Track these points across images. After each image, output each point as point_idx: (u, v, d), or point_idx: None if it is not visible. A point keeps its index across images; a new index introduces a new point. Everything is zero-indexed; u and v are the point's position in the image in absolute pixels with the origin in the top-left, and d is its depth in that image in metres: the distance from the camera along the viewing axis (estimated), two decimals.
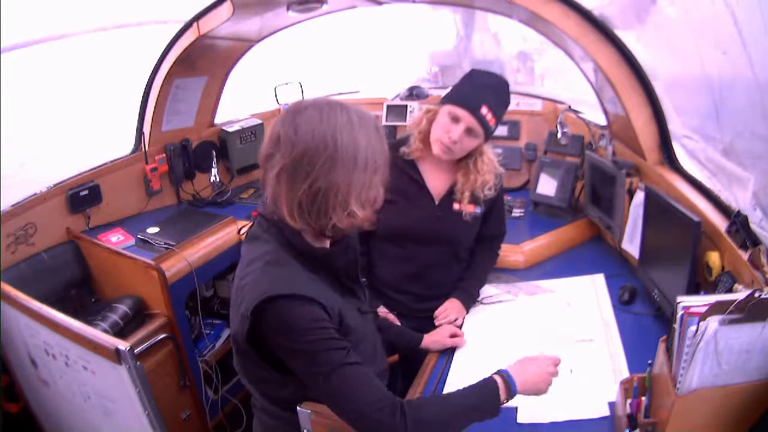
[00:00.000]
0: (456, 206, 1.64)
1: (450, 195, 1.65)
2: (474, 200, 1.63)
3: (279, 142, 0.96)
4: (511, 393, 1.09)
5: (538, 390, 1.14)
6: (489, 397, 1.07)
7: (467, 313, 1.68)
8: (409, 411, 0.97)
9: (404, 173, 1.64)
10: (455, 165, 1.64)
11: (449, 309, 1.65)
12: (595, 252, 2.03)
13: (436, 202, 1.65)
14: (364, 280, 1.21)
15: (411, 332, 1.53)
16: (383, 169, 1.02)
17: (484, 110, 1.49)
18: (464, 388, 1.08)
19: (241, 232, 1.15)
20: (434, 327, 1.61)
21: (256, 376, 1.08)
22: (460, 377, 1.42)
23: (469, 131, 1.52)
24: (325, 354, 0.95)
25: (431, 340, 1.53)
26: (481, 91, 1.53)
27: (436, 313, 1.64)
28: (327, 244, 1.08)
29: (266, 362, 1.01)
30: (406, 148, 1.64)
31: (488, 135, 1.56)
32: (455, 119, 1.51)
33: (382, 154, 1.01)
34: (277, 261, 0.99)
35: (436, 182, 1.66)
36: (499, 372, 1.11)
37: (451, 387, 1.38)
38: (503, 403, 1.08)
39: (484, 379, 1.10)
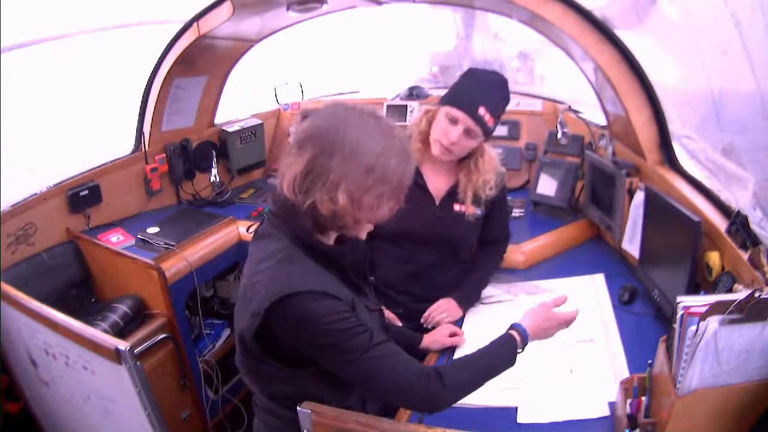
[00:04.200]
0: (457, 207, 1.64)
1: (451, 196, 1.65)
2: (476, 201, 1.63)
3: (298, 128, 1.02)
4: (525, 343, 1.20)
5: (547, 335, 1.25)
6: (509, 352, 1.16)
7: (463, 314, 1.67)
8: (444, 376, 1.04)
9: None
10: (456, 165, 1.64)
11: (441, 306, 1.64)
12: (595, 252, 2.03)
13: (437, 203, 1.65)
14: (372, 278, 1.22)
15: (410, 332, 1.53)
16: (395, 188, 1.01)
17: (481, 111, 1.49)
18: (487, 347, 1.16)
19: (250, 230, 1.16)
20: (434, 327, 1.60)
21: (259, 373, 1.08)
22: None
23: (467, 132, 1.52)
24: (350, 342, 0.97)
25: (431, 340, 1.53)
26: (480, 91, 1.52)
27: (428, 310, 1.64)
28: (332, 240, 1.10)
29: (275, 358, 1.02)
30: None
31: (487, 135, 1.56)
32: (453, 121, 1.51)
33: (398, 174, 1.00)
34: (291, 258, 1.00)
35: (436, 183, 1.66)
36: (513, 327, 1.21)
37: None
38: (522, 349, 1.19)
39: (502, 336, 1.19)
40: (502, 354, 1.16)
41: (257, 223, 1.13)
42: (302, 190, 0.99)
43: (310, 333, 0.96)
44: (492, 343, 1.17)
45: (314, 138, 0.98)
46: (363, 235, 1.10)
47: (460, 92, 1.55)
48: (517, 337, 1.18)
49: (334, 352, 0.98)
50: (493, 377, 1.13)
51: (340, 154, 0.96)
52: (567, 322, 1.25)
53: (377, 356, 0.99)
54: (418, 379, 1.02)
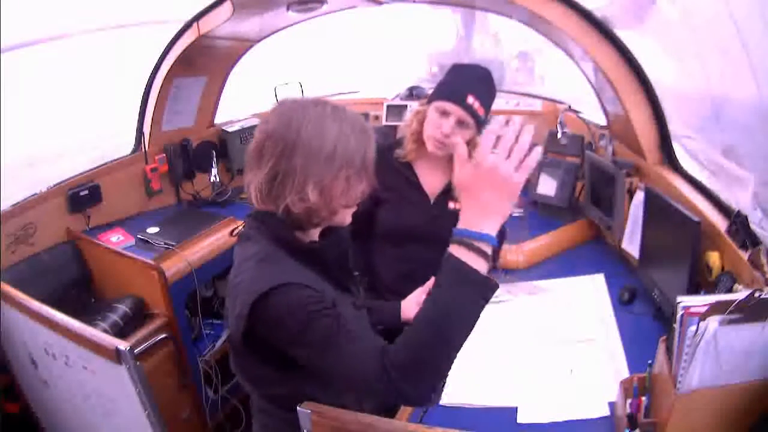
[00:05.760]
0: (452, 205, 1.65)
1: (445, 194, 1.65)
2: None
3: (255, 134, 1.01)
4: (485, 242, 0.84)
5: (506, 201, 0.87)
6: (464, 281, 0.83)
7: None
8: (392, 357, 0.85)
9: (400, 174, 1.65)
10: (450, 163, 1.65)
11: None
12: (595, 252, 2.04)
13: (432, 202, 1.66)
14: (357, 274, 1.20)
15: (388, 307, 1.37)
16: (360, 166, 1.00)
17: (470, 99, 1.50)
18: (433, 294, 0.86)
19: (234, 233, 1.15)
20: None
21: (253, 375, 1.08)
22: (460, 378, 1.42)
23: (459, 123, 1.53)
24: (319, 324, 0.90)
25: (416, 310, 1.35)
26: (466, 82, 1.54)
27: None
28: (315, 236, 1.08)
29: (264, 360, 1.01)
30: (401, 151, 1.65)
31: (480, 125, 1.57)
32: (444, 114, 1.53)
33: (360, 152, 1.00)
34: (269, 258, 1.00)
35: (431, 182, 1.67)
36: (452, 239, 0.86)
37: (451, 388, 1.38)
38: (490, 264, 0.85)
39: (443, 263, 0.86)
40: (455, 297, 0.83)
41: (241, 226, 1.13)
42: (271, 197, 0.99)
43: (286, 320, 0.93)
44: (435, 289, 0.86)
45: (270, 143, 0.97)
46: (347, 221, 1.07)
47: (447, 86, 1.56)
48: (463, 253, 0.83)
49: (308, 341, 0.92)
50: (465, 322, 0.84)
51: (300, 150, 0.96)
52: (510, 155, 0.84)
53: (341, 340, 0.89)
54: (369, 364, 0.85)
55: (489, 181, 0.85)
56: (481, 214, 0.85)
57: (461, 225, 0.86)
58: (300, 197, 0.97)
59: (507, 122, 0.83)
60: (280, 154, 0.96)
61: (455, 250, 0.85)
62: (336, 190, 0.99)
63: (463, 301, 0.84)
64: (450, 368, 0.86)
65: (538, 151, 0.84)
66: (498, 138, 0.84)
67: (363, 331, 0.97)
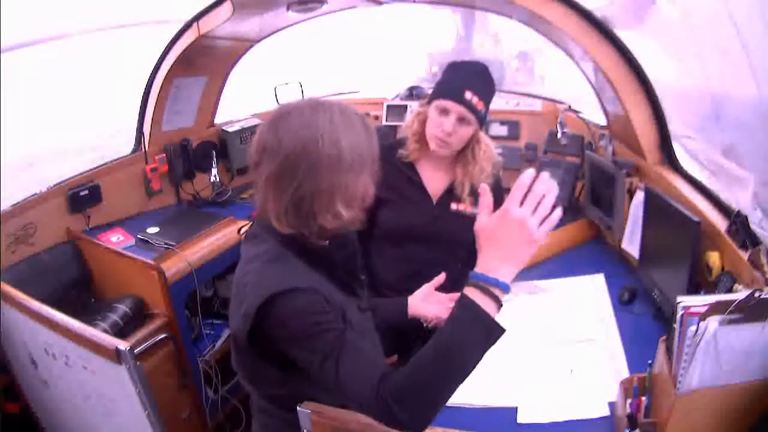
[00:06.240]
0: (454, 206, 1.64)
1: (448, 194, 1.65)
2: (473, 196, 1.63)
3: (264, 151, 0.97)
4: (500, 288, 0.87)
5: (526, 253, 0.89)
6: (475, 321, 0.85)
7: None
8: (391, 382, 0.87)
9: (402, 174, 1.65)
10: (453, 162, 1.65)
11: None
12: (595, 252, 2.03)
13: (434, 202, 1.66)
14: (364, 277, 1.20)
15: (394, 303, 1.39)
16: (371, 164, 1.00)
17: (468, 95, 1.50)
18: (442, 328, 0.88)
19: (241, 231, 1.15)
20: (435, 328, 1.60)
21: (255, 374, 1.08)
22: None
23: (460, 120, 1.53)
24: (323, 336, 0.93)
25: (433, 314, 1.33)
26: (463, 79, 1.54)
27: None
28: (326, 241, 1.09)
29: (267, 360, 1.01)
30: (404, 151, 1.65)
31: (480, 120, 1.57)
32: (444, 112, 1.53)
33: (369, 149, 0.99)
34: (277, 258, 1.00)
35: (433, 182, 1.66)
36: (468, 282, 0.88)
37: None
38: (499, 309, 0.87)
39: (456, 307, 0.88)
40: (463, 335, 0.86)
41: (249, 225, 1.13)
42: (300, 220, 0.97)
43: (290, 327, 0.94)
44: (446, 325, 0.88)
45: (289, 167, 0.94)
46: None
47: (444, 84, 1.57)
48: (478, 296, 0.86)
49: (306, 344, 0.94)
50: (470, 360, 0.87)
51: (322, 171, 0.94)
52: (536, 209, 0.90)
53: (344, 355, 0.91)
54: (371, 386, 0.88)
55: (514, 232, 0.88)
56: (501, 262, 0.88)
57: (479, 269, 0.89)
58: (333, 214, 0.97)
59: (535, 179, 0.90)
60: (302, 176, 0.94)
61: (470, 292, 0.88)
62: (358, 195, 1.00)
63: (472, 341, 0.87)
64: (446, 401, 0.89)
65: (559, 211, 0.92)
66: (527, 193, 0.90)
67: (367, 347, 0.97)
